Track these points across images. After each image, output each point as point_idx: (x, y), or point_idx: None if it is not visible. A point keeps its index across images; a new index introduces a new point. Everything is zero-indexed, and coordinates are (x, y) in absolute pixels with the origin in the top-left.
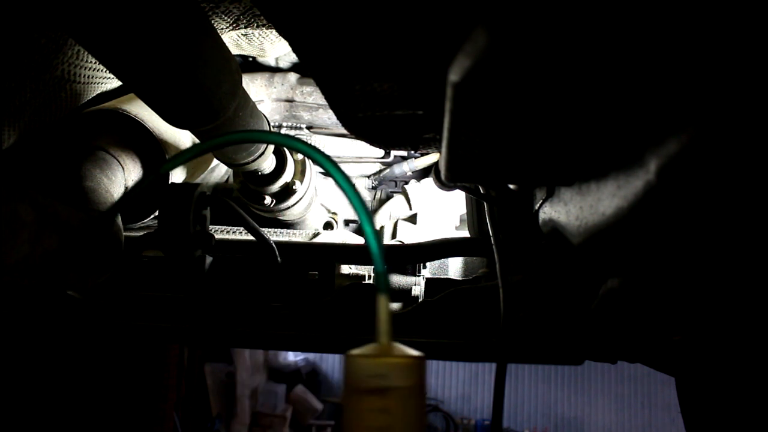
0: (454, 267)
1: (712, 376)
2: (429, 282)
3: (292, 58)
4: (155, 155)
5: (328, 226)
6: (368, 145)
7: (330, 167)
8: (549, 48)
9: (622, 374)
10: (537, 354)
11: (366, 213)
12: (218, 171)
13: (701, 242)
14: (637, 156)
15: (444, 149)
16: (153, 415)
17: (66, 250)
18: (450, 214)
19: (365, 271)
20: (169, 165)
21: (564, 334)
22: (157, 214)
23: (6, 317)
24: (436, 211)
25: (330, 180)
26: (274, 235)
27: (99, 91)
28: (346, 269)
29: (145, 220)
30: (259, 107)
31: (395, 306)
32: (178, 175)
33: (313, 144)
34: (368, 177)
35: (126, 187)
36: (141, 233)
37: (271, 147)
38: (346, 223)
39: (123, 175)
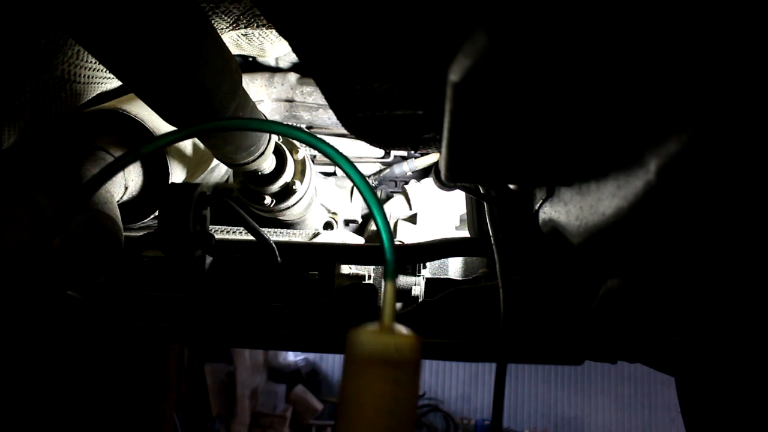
0: (454, 267)
1: (712, 376)
2: (429, 282)
3: (292, 58)
4: (155, 155)
5: (328, 226)
6: (368, 145)
7: (331, 152)
8: (548, 48)
9: (622, 374)
10: (537, 354)
11: (375, 198)
12: (218, 171)
13: (701, 242)
14: (637, 156)
15: (444, 149)
16: (153, 415)
17: (65, 250)
18: (450, 214)
19: (365, 271)
20: (150, 146)
21: (564, 334)
22: (157, 214)
23: (5, 317)
24: (436, 211)
25: (330, 180)
26: (274, 235)
27: (99, 91)
28: (346, 269)
29: (145, 220)
30: (259, 107)
31: (396, 306)
32: (178, 175)
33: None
34: (368, 177)
35: (126, 187)
36: (141, 233)
37: (272, 147)
38: (346, 223)
39: (123, 175)
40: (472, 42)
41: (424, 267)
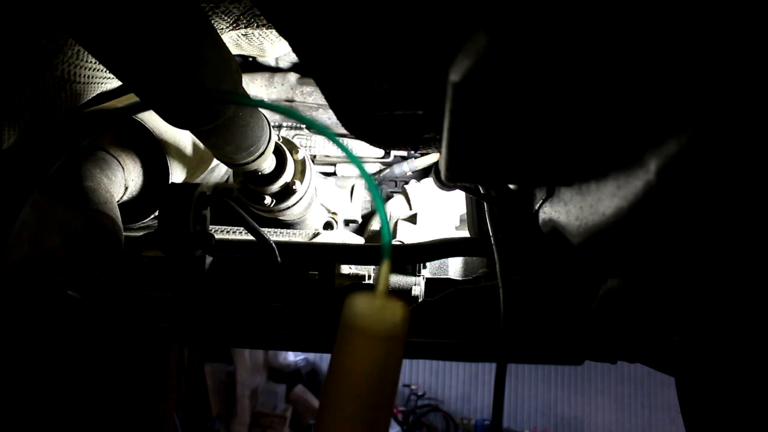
0: (454, 267)
1: (712, 376)
2: (429, 282)
3: (292, 58)
4: (155, 155)
5: (328, 226)
6: (368, 145)
7: (329, 135)
8: (548, 49)
9: (622, 374)
10: (537, 354)
11: (371, 181)
12: (218, 171)
13: (701, 242)
14: (637, 156)
15: (444, 149)
16: (153, 415)
17: (65, 250)
18: (450, 214)
19: (365, 271)
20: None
21: (564, 334)
22: (157, 214)
23: (6, 317)
24: (436, 211)
25: (330, 180)
26: (274, 235)
27: (99, 91)
28: (346, 269)
29: (145, 220)
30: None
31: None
32: (178, 175)
33: (311, 145)
34: None
35: (126, 187)
36: (141, 233)
37: (272, 147)
38: (346, 223)
39: (123, 175)
40: (472, 42)
41: (424, 267)
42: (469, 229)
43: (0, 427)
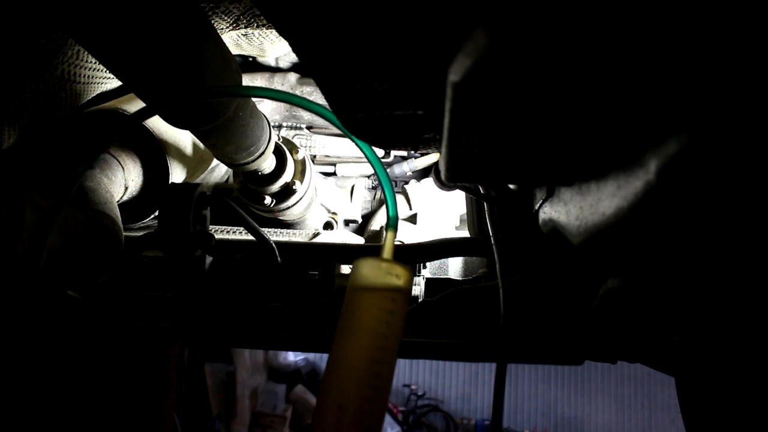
0: (454, 267)
1: (712, 377)
2: (429, 282)
3: (292, 58)
4: (155, 155)
5: (328, 226)
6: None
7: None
8: (548, 48)
9: (622, 374)
10: (537, 354)
11: (376, 158)
12: (218, 171)
13: (701, 242)
14: (637, 156)
15: (444, 149)
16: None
17: (65, 250)
18: (450, 214)
19: None
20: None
21: (564, 334)
22: (157, 214)
23: (6, 317)
24: (436, 211)
25: (330, 180)
26: (274, 235)
27: (99, 91)
28: (346, 269)
29: (145, 220)
30: (259, 107)
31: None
32: (178, 175)
33: (311, 145)
34: (368, 177)
35: (126, 187)
36: (141, 233)
37: (272, 147)
38: (346, 223)
39: (123, 175)
40: (472, 41)
41: (424, 267)
42: (469, 229)
43: (0, 427)
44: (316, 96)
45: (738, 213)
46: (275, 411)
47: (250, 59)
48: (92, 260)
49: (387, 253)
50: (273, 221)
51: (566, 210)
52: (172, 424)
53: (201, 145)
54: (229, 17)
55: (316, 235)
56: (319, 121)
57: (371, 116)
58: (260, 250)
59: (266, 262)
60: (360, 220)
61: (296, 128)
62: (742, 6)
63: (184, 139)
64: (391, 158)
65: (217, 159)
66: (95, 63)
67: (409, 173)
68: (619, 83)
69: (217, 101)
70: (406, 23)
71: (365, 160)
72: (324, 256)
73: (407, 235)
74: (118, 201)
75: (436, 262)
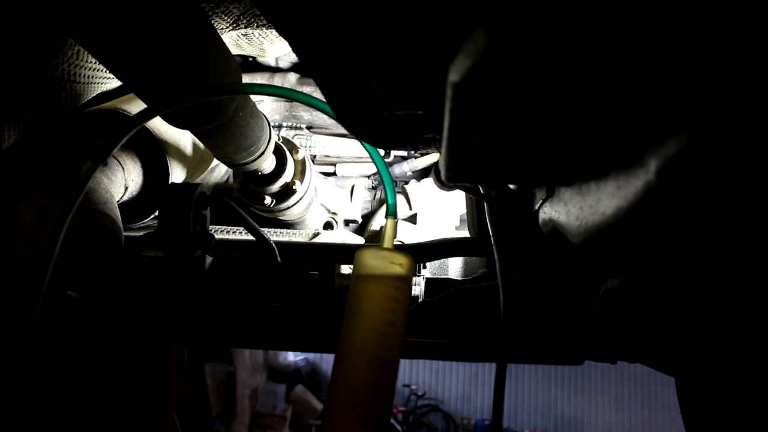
0: (454, 267)
1: (712, 376)
2: (429, 282)
3: (292, 58)
4: (155, 155)
5: (328, 226)
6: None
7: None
8: (549, 48)
9: (622, 374)
10: (537, 354)
11: (375, 150)
12: (218, 171)
13: (701, 242)
14: (637, 156)
15: (444, 149)
16: (153, 415)
17: (66, 250)
18: (450, 214)
19: None
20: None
21: (564, 334)
22: (157, 214)
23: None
24: (436, 211)
25: (330, 180)
26: (274, 235)
27: (99, 91)
28: (346, 269)
29: (145, 220)
30: (259, 107)
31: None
32: (178, 175)
33: (311, 145)
34: (368, 177)
35: (126, 187)
36: (141, 233)
37: (272, 147)
38: (346, 223)
39: (123, 175)
40: (472, 41)
41: (424, 267)
42: (469, 229)
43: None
44: (316, 95)
45: (737, 213)
46: (275, 411)
47: (250, 59)
48: (92, 260)
49: (387, 242)
50: (273, 221)
51: (566, 210)
52: (172, 424)
53: (201, 145)
54: (229, 17)
55: (316, 235)
56: (319, 121)
57: (371, 116)
58: (260, 250)
59: (266, 262)
60: (360, 220)
61: (296, 128)
62: (741, 7)
63: (184, 139)
64: (392, 158)
65: (217, 159)
66: (95, 63)
67: (409, 173)
68: (619, 83)
69: (217, 101)
70: (406, 24)
71: (365, 160)
72: (324, 256)
73: (407, 235)
74: (118, 201)
75: (436, 262)
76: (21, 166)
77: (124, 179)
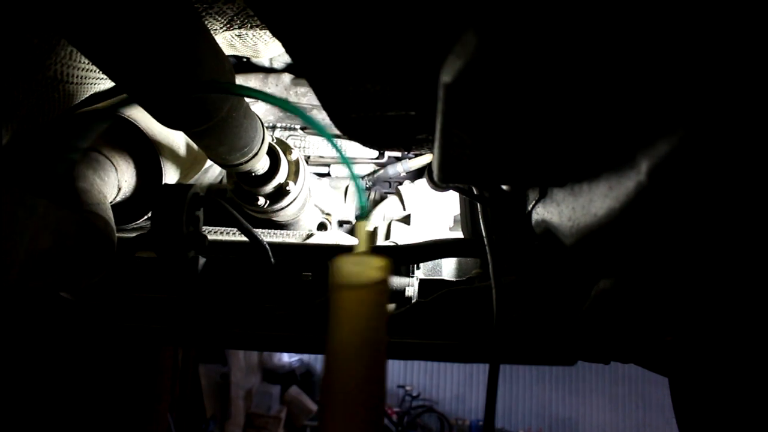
0: (447, 268)
1: (705, 376)
2: (422, 283)
3: (287, 58)
4: (148, 156)
5: (321, 227)
6: (362, 146)
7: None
8: (538, 50)
9: (615, 375)
10: (530, 355)
11: (344, 156)
12: (212, 172)
13: (693, 243)
14: (628, 157)
15: (437, 150)
16: (147, 416)
17: (59, 251)
18: (444, 215)
19: None
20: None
21: (557, 335)
22: (150, 215)
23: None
24: (429, 212)
25: (324, 181)
26: (268, 236)
27: (92, 92)
28: None
29: (138, 221)
30: (253, 108)
31: (389, 307)
32: (171, 176)
33: (305, 146)
34: (362, 178)
35: (119, 188)
36: (134, 234)
37: (265, 148)
38: (340, 224)
39: (116, 176)
40: (463, 43)
41: (418, 268)
42: (462, 230)
43: None
44: (310, 97)
45: (728, 213)
46: (270, 412)
47: (244, 60)
48: (85, 261)
49: (361, 246)
50: (267, 222)
51: (559, 211)
52: (167, 426)
53: (195, 146)
54: (222, 18)
55: (309, 236)
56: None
57: (364, 117)
58: (254, 251)
59: (260, 263)
60: (354, 221)
61: (290, 129)
62: (733, 9)
63: (177, 139)
64: (385, 159)
65: (211, 160)
66: (88, 63)
67: (403, 174)
68: (610, 85)
69: (210, 102)
70: (399, 26)
71: (359, 161)
72: (318, 257)
73: (401, 235)
74: (111, 202)
75: (430, 263)
76: (14, 167)
77: (117, 180)
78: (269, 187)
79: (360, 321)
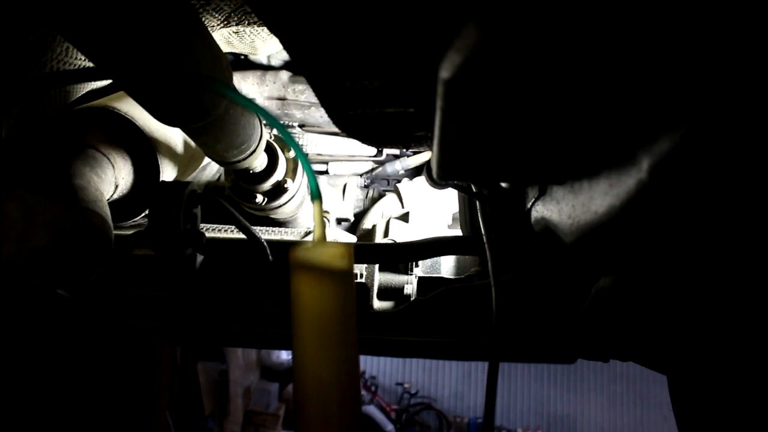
0: (446, 266)
1: (704, 375)
2: (421, 281)
3: (284, 56)
4: (146, 153)
5: None
6: (360, 143)
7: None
8: (539, 45)
9: (614, 373)
10: (529, 352)
11: (297, 145)
12: (210, 169)
13: (693, 241)
14: (629, 155)
15: (435, 147)
16: (145, 414)
17: (55, 248)
18: (442, 213)
19: (356, 269)
20: None
21: (556, 333)
22: (147, 212)
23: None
24: (428, 210)
25: (322, 179)
26: (266, 233)
27: (89, 89)
28: None
29: (135, 219)
30: None
31: (387, 304)
32: (169, 173)
33: (304, 143)
34: (360, 175)
35: (116, 186)
36: (131, 231)
37: (263, 145)
38: (338, 221)
39: (113, 173)
40: (462, 38)
41: (417, 265)
42: (461, 228)
43: None
44: (308, 94)
45: (730, 211)
46: (268, 409)
47: (242, 57)
48: (82, 259)
49: (318, 233)
50: (265, 219)
51: (558, 208)
52: (165, 423)
53: (192, 143)
54: (220, 14)
55: (308, 233)
56: (311, 119)
57: (362, 114)
58: (251, 248)
59: (257, 261)
60: (352, 219)
61: (289, 126)
62: (734, 7)
63: (175, 137)
64: (384, 156)
65: (209, 157)
66: (84, 60)
67: (401, 172)
68: (611, 81)
69: (207, 99)
70: (397, 20)
71: (358, 158)
72: None
73: (399, 233)
74: (108, 199)
75: (429, 261)
76: (9, 164)
77: (114, 177)
78: (267, 185)
79: (320, 307)
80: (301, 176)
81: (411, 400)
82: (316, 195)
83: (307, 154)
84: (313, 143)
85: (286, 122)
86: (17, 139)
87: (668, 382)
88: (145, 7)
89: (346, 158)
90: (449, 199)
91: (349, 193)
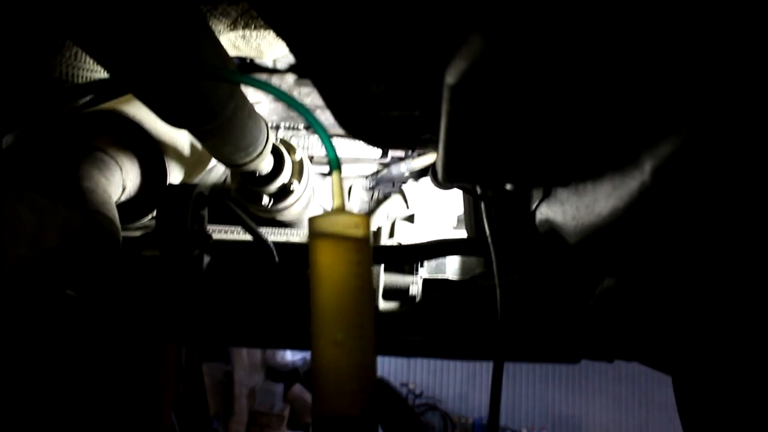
0: (451, 267)
1: (709, 375)
2: (426, 282)
3: (290, 59)
4: (153, 156)
5: None
6: (366, 145)
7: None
8: (543, 51)
9: (619, 373)
10: (534, 353)
11: (317, 120)
12: (216, 171)
13: (696, 241)
14: (632, 157)
15: (441, 150)
16: (150, 414)
17: (64, 250)
18: (447, 214)
19: None
20: None
21: (561, 333)
22: (155, 214)
23: (5, 317)
24: (433, 211)
25: (328, 180)
26: (272, 234)
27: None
28: None
29: (143, 220)
30: (257, 108)
31: (393, 305)
32: (176, 176)
33: (309, 145)
34: (366, 177)
35: (124, 188)
36: (139, 233)
37: (269, 148)
38: None
39: (121, 176)
40: (468, 44)
41: (422, 266)
42: (466, 229)
43: None
44: (314, 97)
45: (732, 212)
46: (273, 410)
47: (248, 61)
48: (91, 260)
49: (337, 201)
50: (271, 221)
51: (563, 210)
52: (170, 423)
53: (198, 145)
54: (227, 19)
55: None
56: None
57: (369, 117)
58: (258, 249)
59: (264, 262)
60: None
61: (294, 129)
62: (737, 10)
63: (181, 139)
64: (389, 158)
65: (216, 159)
66: (93, 64)
67: (407, 173)
68: (614, 86)
69: (215, 101)
70: (403, 26)
71: (363, 160)
72: None
73: (405, 234)
74: (116, 201)
75: (434, 262)
76: (19, 167)
77: (122, 180)
78: (273, 187)
79: (347, 282)
80: (307, 178)
81: (416, 401)
82: (335, 164)
83: (312, 156)
84: (318, 145)
85: (292, 124)
86: (29, 142)
87: (673, 382)
88: (155, 12)
89: (351, 160)
90: (454, 200)
91: (355, 194)
